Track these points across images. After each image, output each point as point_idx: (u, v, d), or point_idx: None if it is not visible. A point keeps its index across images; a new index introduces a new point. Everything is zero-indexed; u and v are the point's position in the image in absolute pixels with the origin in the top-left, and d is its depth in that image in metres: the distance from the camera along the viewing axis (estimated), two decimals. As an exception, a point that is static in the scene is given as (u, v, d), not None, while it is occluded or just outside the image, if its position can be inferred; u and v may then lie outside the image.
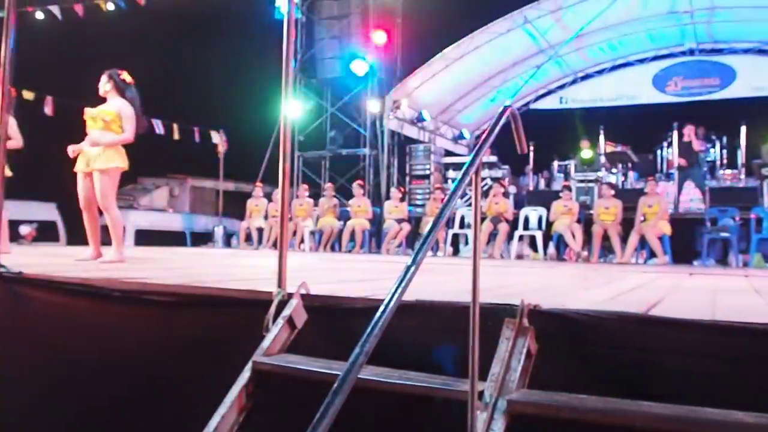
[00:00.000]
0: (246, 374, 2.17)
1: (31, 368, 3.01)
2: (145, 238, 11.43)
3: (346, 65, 13.61)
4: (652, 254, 8.40)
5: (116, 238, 4.95)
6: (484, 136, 2.04)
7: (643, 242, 8.49)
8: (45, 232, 11.50)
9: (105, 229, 5.11)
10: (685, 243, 8.98)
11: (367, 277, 4.14)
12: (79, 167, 4.98)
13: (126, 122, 4.95)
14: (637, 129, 12.66)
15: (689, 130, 10.35)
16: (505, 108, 2.20)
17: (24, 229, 10.19)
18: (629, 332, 1.97)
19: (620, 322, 1.99)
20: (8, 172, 5.62)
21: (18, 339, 3.09)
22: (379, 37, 13.49)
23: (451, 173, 12.01)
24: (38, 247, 8.64)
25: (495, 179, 10.72)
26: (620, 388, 1.87)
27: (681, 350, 1.89)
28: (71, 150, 5.05)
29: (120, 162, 4.95)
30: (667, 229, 8.44)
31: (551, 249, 9.17)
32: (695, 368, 1.86)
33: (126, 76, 5.10)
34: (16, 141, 5.69)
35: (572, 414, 1.78)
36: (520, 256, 9.45)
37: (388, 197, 11.31)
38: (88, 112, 5.00)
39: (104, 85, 5.04)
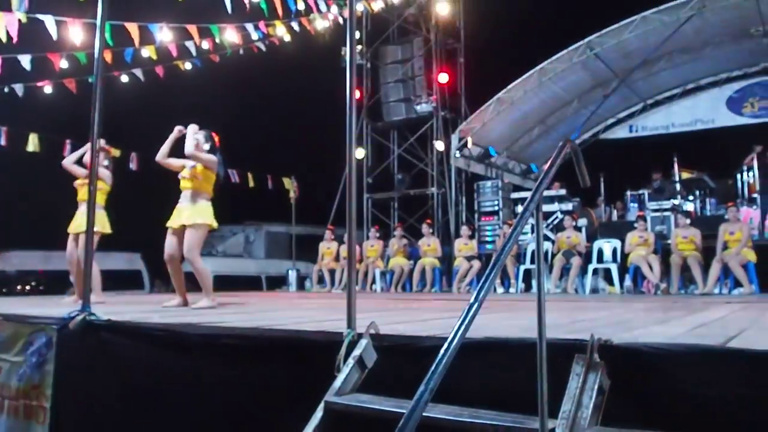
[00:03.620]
0: (319, 414, 2.21)
1: (120, 411, 3.16)
2: (223, 283, 11.78)
3: (411, 107, 13.84)
4: (737, 284, 8.02)
5: (205, 287, 5.15)
6: (544, 171, 2.06)
7: (726, 271, 8.12)
8: (130, 281, 12.07)
9: (189, 277, 5.34)
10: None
11: (437, 315, 4.15)
12: (173, 224, 5.21)
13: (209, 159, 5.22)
14: (714, 154, 12.23)
15: None
16: (565, 142, 2.21)
17: None
18: (705, 366, 1.91)
19: (695, 355, 1.94)
20: (108, 229, 6.08)
21: (107, 383, 3.26)
22: (443, 77, 13.67)
23: (520, 208, 11.87)
24: (125, 296, 9.05)
25: (566, 212, 10.53)
26: (699, 424, 1.82)
27: (762, 384, 1.82)
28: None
29: (209, 219, 5.20)
30: (751, 256, 8.05)
31: (628, 282, 8.89)
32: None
33: (217, 139, 5.39)
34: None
35: (649, 451, 1.74)
36: (595, 290, 9.20)
37: (457, 235, 11.29)
38: (183, 174, 5.28)
39: (203, 144, 5.27)
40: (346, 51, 3.02)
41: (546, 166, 2.01)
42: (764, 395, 1.78)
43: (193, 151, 5.14)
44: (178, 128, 5.32)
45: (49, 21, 7.47)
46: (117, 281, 11.50)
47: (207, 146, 5.28)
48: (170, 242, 5.20)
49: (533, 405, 1.78)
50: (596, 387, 1.93)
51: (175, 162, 5.34)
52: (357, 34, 3.19)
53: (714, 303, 5.40)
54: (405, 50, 14.32)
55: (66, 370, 3.47)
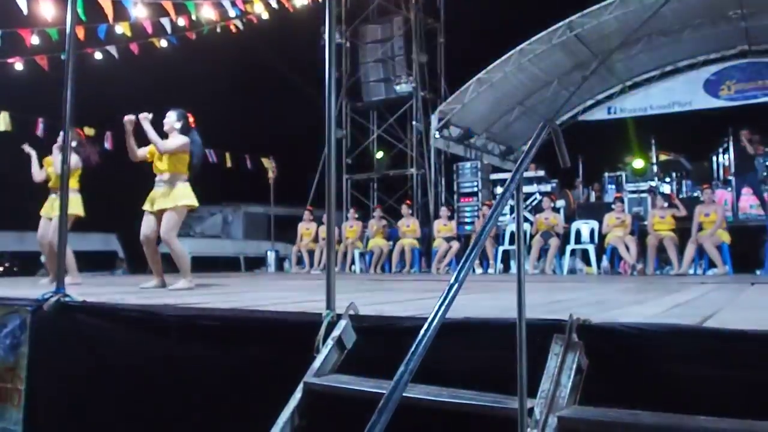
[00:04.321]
0: (298, 395, 2.21)
1: (96, 393, 3.13)
2: (201, 264, 11.72)
3: (391, 87, 13.76)
4: (712, 264, 8.15)
5: (182, 268, 5.11)
6: (524, 152, 2.05)
7: (701, 252, 8.24)
8: (106, 262, 11.94)
9: (166, 257, 5.28)
10: (747, 252, 8.66)
11: (416, 296, 4.15)
12: (149, 207, 5.15)
13: (172, 139, 5.11)
14: (691, 136, 12.37)
15: (744, 135, 10.08)
16: (545, 123, 2.20)
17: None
18: (682, 345, 1.93)
19: (671, 335, 1.96)
20: (81, 212, 5.97)
21: (82, 365, 3.22)
22: (423, 56, 13.61)
23: (499, 189, 11.89)
24: (100, 277, 8.96)
25: (544, 193, 10.59)
26: (675, 402, 1.83)
27: (737, 363, 1.84)
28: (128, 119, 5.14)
29: (190, 200, 5.13)
30: (725, 237, 8.18)
31: (605, 262, 8.99)
32: (753, 381, 1.81)
33: (191, 119, 5.29)
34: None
35: (626, 430, 1.75)
36: (572, 271, 9.29)
37: (436, 216, 11.30)
38: (151, 150, 5.21)
39: (174, 123, 5.18)
40: (325, 30, 2.97)
41: (526, 147, 2.00)
42: (739, 373, 1.80)
43: (165, 147, 5.06)
44: (128, 119, 5.07)
45: (19, -5, 7.26)
46: (93, 262, 11.37)
47: (179, 125, 5.19)
48: (147, 223, 5.14)
49: (512, 384, 1.79)
50: (575, 366, 1.94)
51: (144, 151, 5.27)
52: (336, 13, 3.14)
53: (689, 283, 5.48)
54: (385, 29, 14.20)
55: (40, 352, 3.42)
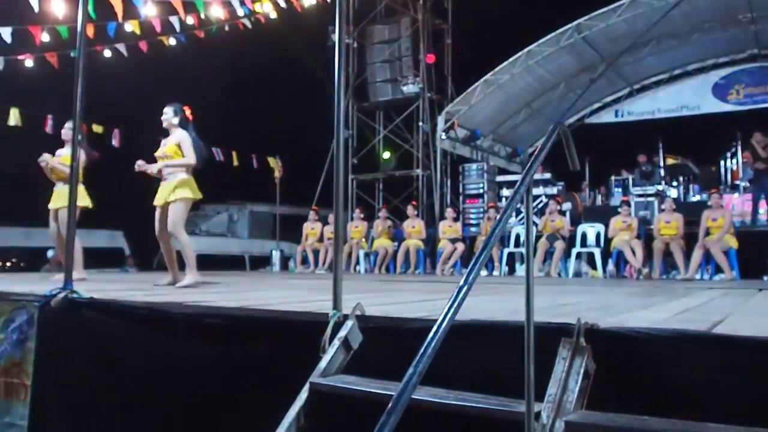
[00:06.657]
0: (303, 395, 2.20)
1: (102, 389, 3.13)
2: (206, 263, 11.72)
3: (398, 88, 13.76)
4: (718, 270, 8.10)
5: (188, 263, 5.16)
6: (534, 154, 2.04)
7: (708, 257, 8.20)
8: (112, 259, 11.97)
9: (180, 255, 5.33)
10: (755, 258, 8.58)
11: (421, 298, 4.14)
12: (157, 202, 5.22)
13: (186, 149, 5.16)
14: (699, 140, 12.30)
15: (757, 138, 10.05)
16: (556, 125, 2.19)
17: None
18: (690, 351, 1.92)
19: (681, 340, 1.94)
20: (88, 203, 6.00)
21: (89, 361, 3.22)
22: (430, 58, 13.60)
23: (505, 192, 11.89)
24: (106, 273, 8.97)
25: (550, 196, 10.56)
26: (683, 409, 1.82)
27: (746, 369, 1.83)
28: (138, 165, 5.28)
29: (189, 193, 5.16)
30: (733, 243, 8.12)
31: (611, 266, 8.95)
32: (762, 388, 1.80)
33: (188, 112, 5.31)
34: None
35: (633, 436, 1.74)
36: (578, 274, 9.26)
37: (442, 217, 11.29)
38: (158, 155, 5.28)
39: (171, 119, 5.23)
40: (335, 29, 2.97)
41: (537, 150, 1.99)
42: (749, 381, 1.79)
43: (190, 160, 5.13)
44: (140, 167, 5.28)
45: (30, -7, 7.30)
46: (99, 259, 11.39)
47: (177, 120, 5.22)
48: (157, 218, 5.23)
49: (519, 388, 1.78)
50: (582, 371, 1.93)
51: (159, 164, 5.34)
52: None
53: (696, 288, 5.44)
54: (392, 30, 14.19)
55: (47, 347, 3.43)
